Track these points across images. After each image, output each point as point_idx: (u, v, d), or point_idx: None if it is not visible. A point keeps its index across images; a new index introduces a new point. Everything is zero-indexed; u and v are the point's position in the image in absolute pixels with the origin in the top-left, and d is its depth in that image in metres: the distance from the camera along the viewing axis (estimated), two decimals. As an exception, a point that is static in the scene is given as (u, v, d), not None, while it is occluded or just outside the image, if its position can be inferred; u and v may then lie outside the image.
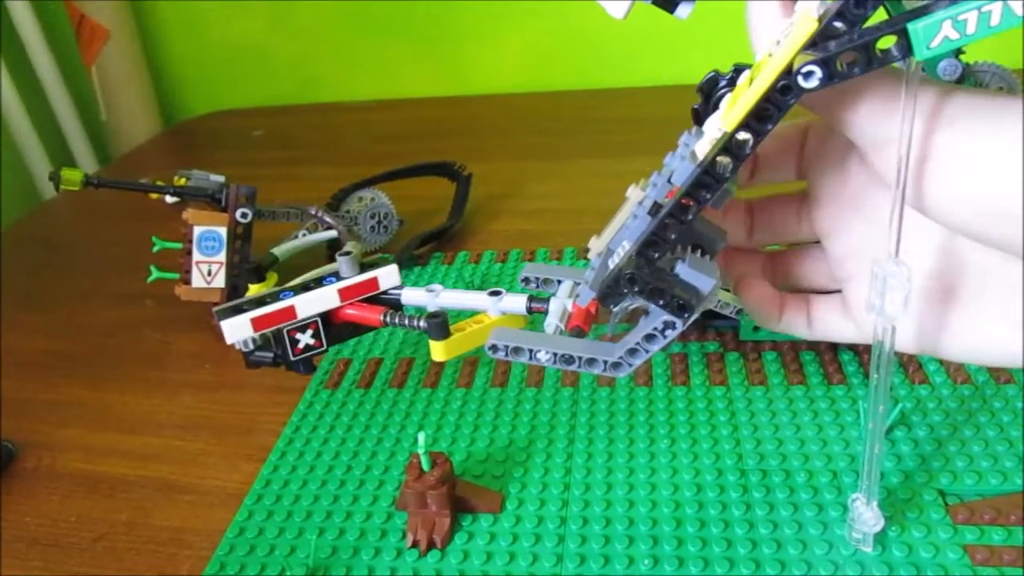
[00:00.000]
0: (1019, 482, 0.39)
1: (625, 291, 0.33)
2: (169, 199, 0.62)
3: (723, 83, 0.34)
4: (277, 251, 0.59)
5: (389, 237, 0.69)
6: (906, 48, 0.24)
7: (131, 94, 1.18)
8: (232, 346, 0.59)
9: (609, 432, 0.46)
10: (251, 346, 0.41)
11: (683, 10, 0.35)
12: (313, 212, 0.63)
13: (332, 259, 0.58)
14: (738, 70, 0.34)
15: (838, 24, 0.25)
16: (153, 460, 0.50)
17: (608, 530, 0.40)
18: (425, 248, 0.70)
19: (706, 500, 0.40)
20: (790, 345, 0.51)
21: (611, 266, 0.34)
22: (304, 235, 0.63)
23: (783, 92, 0.27)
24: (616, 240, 0.36)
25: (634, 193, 0.37)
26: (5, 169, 1.08)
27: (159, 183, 0.61)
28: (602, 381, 0.50)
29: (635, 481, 0.42)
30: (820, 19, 0.26)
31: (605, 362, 0.34)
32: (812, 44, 0.26)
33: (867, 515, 0.35)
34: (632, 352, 0.34)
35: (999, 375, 0.46)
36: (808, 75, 0.26)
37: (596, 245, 0.39)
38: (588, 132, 0.98)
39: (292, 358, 0.41)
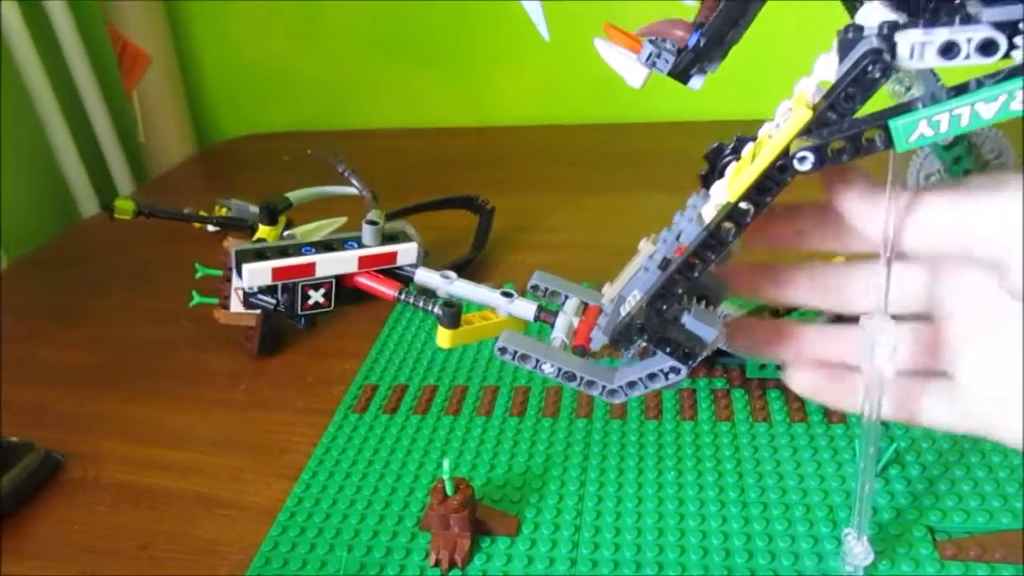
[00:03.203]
0: (1005, 521, 0.42)
1: (635, 338, 0.36)
2: (211, 228, 0.66)
3: (727, 152, 0.38)
4: (292, 196, 0.62)
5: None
6: (888, 141, 0.27)
7: (168, 117, 1.23)
8: (264, 366, 0.63)
9: (620, 463, 0.49)
10: (254, 288, 0.42)
11: (695, 82, 0.39)
12: (340, 169, 0.65)
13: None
14: (740, 140, 0.37)
15: (830, 114, 0.29)
16: (193, 474, 0.54)
17: (617, 556, 0.42)
18: (449, 278, 0.73)
19: (709, 530, 0.43)
20: (794, 383, 0.54)
21: (623, 313, 0.38)
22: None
23: (781, 171, 0.30)
24: (628, 288, 0.39)
25: (645, 247, 0.40)
26: (48, 187, 1.13)
27: (202, 213, 0.65)
28: (614, 413, 0.53)
29: (643, 510, 0.45)
30: (814, 108, 0.29)
31: (604, 387, 0.37)
32: (807, 131, 0.29)
33: (857, 549, 0.38)
34: (632, 384, 0.37)
35: (990, 419, 0.49)
36: (802, 159, 0.29)
37: (609, 292, 0.42)
38: (608, 166, 1.02)
39: (299, 311, 0.43)
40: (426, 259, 0.73)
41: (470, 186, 0.85)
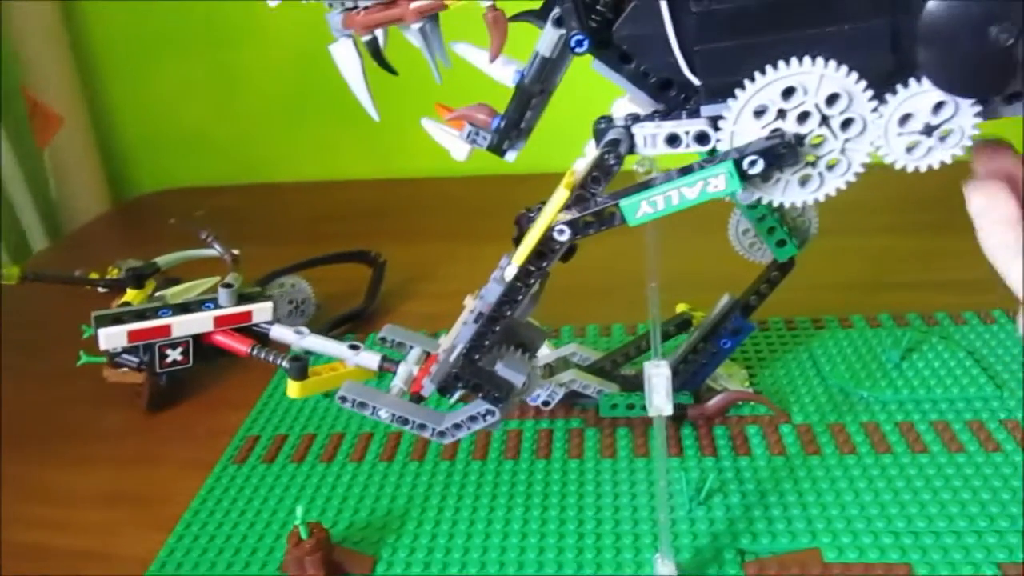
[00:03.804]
0: (805, 541, 0.46)
1: (455, 385, 0.40)
2: (101, 289, 0.69)
3: (533, 216, 0.42)
4: (160, 261, 0.65)
5: (306, 320, 0.76)
6: (622, 216, 0.32)
7: (82, 174, 1.24)
8: (155, 421, 0.66)
9: (475, 502, 0.52)
10: (119, 349, 0.46)
11: (510, 156, 0.44)
12: (204, 236, 0.69)
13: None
14: (541, 207, 0.42)
15: (583, 193, 0.33)
16: (73, 531, 0.56)
17: (461, 588, 0.46)
18: (339, 330, 0.77)
19: (546, 561, 0.47)
20: (640, 420, 0.58)
21: (450, 362, 0.42)
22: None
23: (548, 241, 0.34)
24: (458, 339, 0.44)
25: (469, 302, 0.44)
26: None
27: (93, 275, 0.68)
28: (477, 455, 0.57)
29: (489, 545, 0.49)
30: (572, 188, 0.34)
31: (433, 429, 0.41)
32: (568, 207, 0.34)
33: (663, 571, 0.42)
34: (457, 427, 0.41)
35: (808, 447, 0.54)
36: (560, 232, 0.34)
37: (444, 342, 0.46)
38: (504, 216, 1.06)
39: (158, 369, 0.47)
40: (318, 310, 0.77)
41: (373, 236, 0.89)
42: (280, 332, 0.48)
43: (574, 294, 0.65)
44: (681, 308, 0.62)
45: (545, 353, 0.58)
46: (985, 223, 0.32)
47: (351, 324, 0.78)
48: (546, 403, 0.57)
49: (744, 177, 0.30)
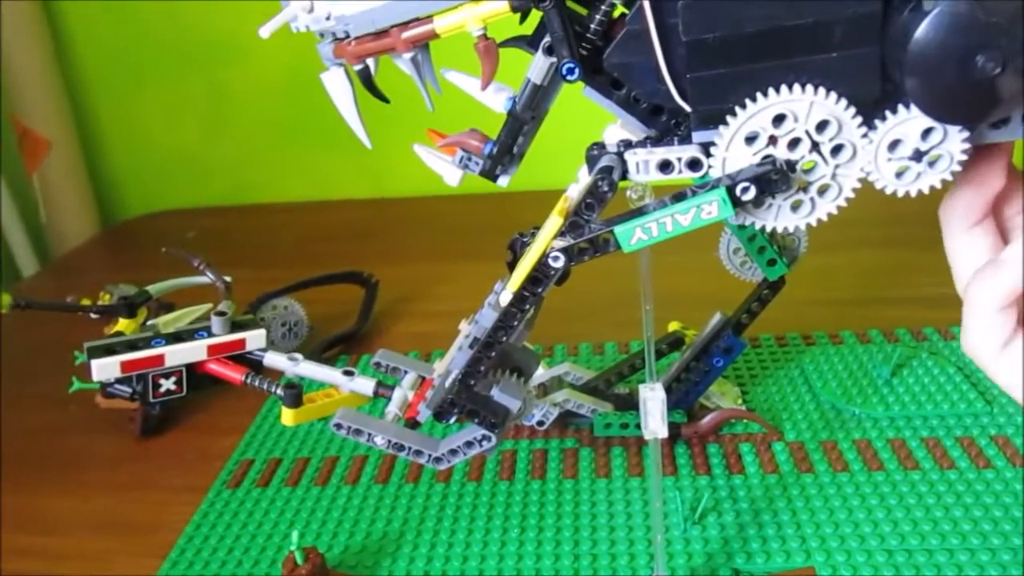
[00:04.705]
0: (799, 560, 0.47)
1: (450, 411, 0.41)
2: (93, 315, 0.68)
3: (526, 240, 0.43)
4: (152, 289, 0.65)
5: (299, 342, 0.76)
6: (617, 243, 0.32)
7: (71, 198, 1.24)
8: (148, 447, 0.65)
9: (470, 523, 0.52)
10: (111, 379, 0.46)
11: (502, 180, 0.44)
12: (197, 264, 0.69)
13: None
14: (535, 232, 0.42)
15: (577, 219, 0.34)
16: (66, 559, 0.55)
17: (458, 612, 0.46)
18: (333, 351, 0.77)
19: (542, 583, 0.47)
20: (635, 439, 0.58)
21: (446, 387, 0.42)
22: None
23: (543, 267, 0.35)
24: (453, 364, 0.44)
25: (464, 327, 0.45)
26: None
27: (84, 302, 0.67)
28: (471, 476, 0.57)
29: (485, 567, 0.49)
30: (565, 215, 0.34)
31: (430, 455, 0.42)
32: (563, 233, 0.34)
33: (660, 593, 0.43)
34: (453, 452, 0.41)
35: (801, 465, 0.54)
36: (556, 258, 0.34)
37: (439, 367, 0.46)
38: (499, 234, 1.07)
39: (151, 399, 0.47)
40: (311, 332, 0.77)
41: (366, 257, 0.89)
42: (274, 359, 0.48)
43: (566, 313, 0.65)
44: (673, 327, 0.62)
45: (539, 373, 0.58)
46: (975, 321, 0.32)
47: (344, 345, 0.78)
48: (540, 423, 0.58)
49: (736, 203, 0.31)
